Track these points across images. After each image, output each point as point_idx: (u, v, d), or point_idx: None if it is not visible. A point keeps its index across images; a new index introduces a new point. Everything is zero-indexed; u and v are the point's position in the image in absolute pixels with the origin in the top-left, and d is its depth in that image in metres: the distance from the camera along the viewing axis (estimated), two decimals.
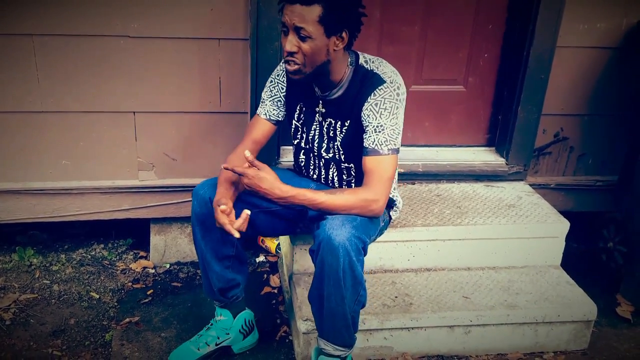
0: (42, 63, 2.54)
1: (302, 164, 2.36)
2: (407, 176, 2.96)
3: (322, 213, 2.01)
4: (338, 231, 1.92)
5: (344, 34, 2.00)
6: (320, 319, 2.09)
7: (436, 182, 3.00)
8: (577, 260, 3.08)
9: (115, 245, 3.09)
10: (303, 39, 1.95)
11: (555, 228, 2.70)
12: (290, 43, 1.97)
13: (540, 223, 2.69)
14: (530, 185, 3.04)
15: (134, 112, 2.68)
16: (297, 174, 2.40)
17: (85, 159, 2.72)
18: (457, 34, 2.88)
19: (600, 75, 2.94)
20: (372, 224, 2.14)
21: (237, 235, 1.98)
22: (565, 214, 2.80)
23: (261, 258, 3.06)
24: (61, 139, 2.67)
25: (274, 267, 3.00)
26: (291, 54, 1.99)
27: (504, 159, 3.02)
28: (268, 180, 1.98)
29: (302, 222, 2.30)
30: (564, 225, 2.71)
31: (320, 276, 2.00)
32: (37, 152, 2.68)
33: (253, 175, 1.98)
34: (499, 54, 2.94)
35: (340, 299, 1.99)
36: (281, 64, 2.27)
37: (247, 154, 1.99)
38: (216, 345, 2.34)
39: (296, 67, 2.01)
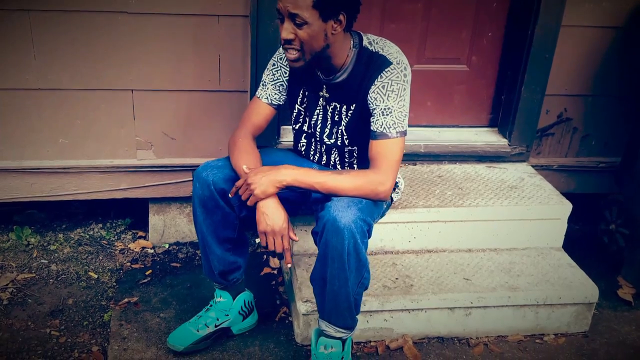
0: (38, 39, 2.49)
1: (303, 148, 2.33)
2: (409, 157, 2.93)
3: (329, 195, 1.99)
4: (343, 213, 1.90)
5: (341, 17, 1.94)
6: (322, 301, 2.08)
7: (438, 162, 2.97)
8: (578, 241, 3.06)
9: (114, 225, 3.06)
10: (299, 25, 1.90)
11: (557, 210, 2.68)
12: (286, 30, 1.92)
13: (543, 205, 2.67)
14: (533, 166, 3.01)
15: (132, 90, 2.64)
16: (300, 156, 2.36)
17: (82, 138, 2.69)
18: (460, 12, 2.83)
19: (605, 56, 2.90)
20: (376, 206, 2.11)
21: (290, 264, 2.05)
22: (567, 195, 2.78)
23: None
24: (58, 117, 2.64)
25: None
26: (288, 41, 1.93)
27: (506, 140, 2.98)
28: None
29: (304, 204, 2.27)
30: (567, 207, 2.69)
31: (324, 258, 1.97)
32: (34, 130, 2.64)
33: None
34: (503, 32, 2.89)
35: (343, 281, 1.98)
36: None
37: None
38: (215, 326, 2.32)
39: (296, 54, 1.96)
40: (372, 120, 2.04)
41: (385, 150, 2.01)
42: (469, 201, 2.65)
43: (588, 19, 2.81)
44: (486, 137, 3.02)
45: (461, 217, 2.61)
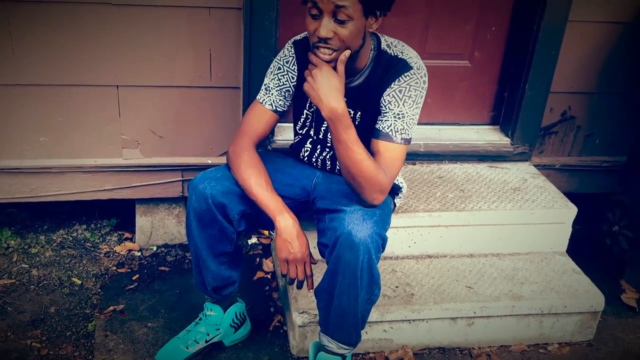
0: (17, 32, 2.33)
1: (307, 153, 2.19)
2: (408, 156, 2.70)
3: (339, 159, 1.86)
4: (359, 227, 1.80)
5: (378, 13, 1.82)
6: (327, 315, 1.98)
7: (438, 162, 2.86)
8: (579, 243, 2.95)
9: (99, 225, 2.92)
10: (342, 22, 1.75)
11: (562, 214, 2.59)
12: (326, 28, 1.75)
13: (547, 208, 2.57)
14: (535, 165, 2.91)
15: (117, 86, 2.49)
16: (299, 161, 2.23)
17: (65, 136, 2.54)
18: (463, 5, 2.70)
19: (612, 52, 2.79)
20: (388, 216, 2.02)
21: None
22: (569, 195, 2.70)
23: (253, 240, 2.92)
24: (39, 114, 2.49)
25: (267, 250, 2.86)
26: (325, 40, 1.77)
27: (508, 139, 2.87)
28: None
29: (305, 213, 2.15)
30: (571, 210, 2.60)
31: (334, 273, 1.87)
32: (13, 128, 2.49)
33: None
34: (508, 27, 2.78)
35: (354, 298, 1.88)
36: (289, 47, 2.06)
37: None
38: (206, 342, 2.20)
39: (332, 54, 1.79)
40: (380, 118, 1.92)
41: (387, 152, 1.91)
42: (471, 204, 2.55)
43: (596, 14, 2.70)
44: (488, 136, 2.91)
45: (463, 222, 2.51)
